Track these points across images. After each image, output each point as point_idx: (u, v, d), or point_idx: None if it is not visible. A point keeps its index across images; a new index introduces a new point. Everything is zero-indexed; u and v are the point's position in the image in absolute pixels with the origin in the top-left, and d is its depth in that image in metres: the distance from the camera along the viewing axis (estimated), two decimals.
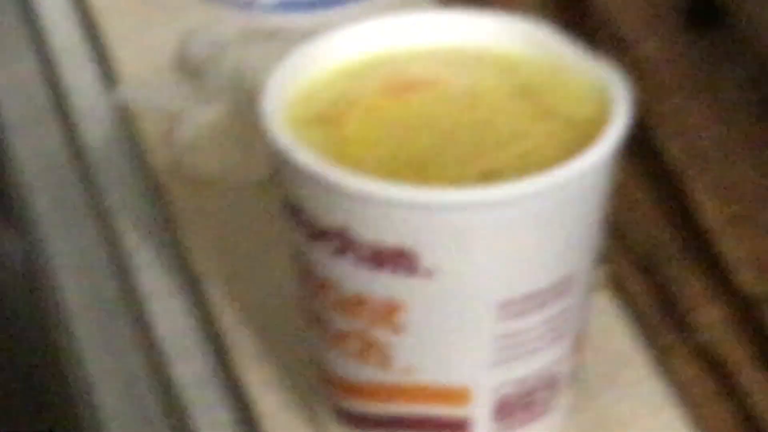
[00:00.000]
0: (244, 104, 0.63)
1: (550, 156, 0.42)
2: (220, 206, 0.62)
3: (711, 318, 0.52)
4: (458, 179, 0.42)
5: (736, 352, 0.50)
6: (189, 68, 0.69)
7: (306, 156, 0.41)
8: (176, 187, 0.63)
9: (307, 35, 0.63)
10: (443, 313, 0.42)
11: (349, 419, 0.48)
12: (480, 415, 0.45)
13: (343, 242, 0.41)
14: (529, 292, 0.42)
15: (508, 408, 0.45)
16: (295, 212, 0.43)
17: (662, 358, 0.52)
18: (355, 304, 0.43)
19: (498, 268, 0.41)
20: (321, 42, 0.47)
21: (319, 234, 0.42)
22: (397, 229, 0.40)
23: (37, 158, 0.69)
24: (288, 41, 0.59)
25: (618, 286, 0.55)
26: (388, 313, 0.42)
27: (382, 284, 0.42)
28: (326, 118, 0.45)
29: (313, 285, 0.45)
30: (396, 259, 0.40)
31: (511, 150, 0.43)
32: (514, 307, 0.42)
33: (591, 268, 0.45)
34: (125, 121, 0.68)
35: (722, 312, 0.52)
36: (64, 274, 0.63)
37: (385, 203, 0.39)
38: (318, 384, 0.49)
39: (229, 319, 0.56)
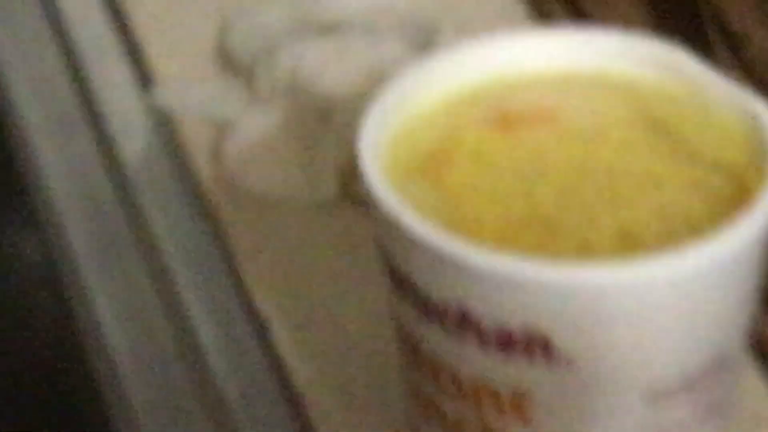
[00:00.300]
0: (305, 109, 0.56)
1: (697, 211, 0.36)
2: (282, 232, 0.54)
3: None
4: (591, 242, 0.35)
5: None
6: (234, 65, 0.60)
7: (417, 222, 0.34)
8: (229, 209, 0.55)
9: (367, 27, 0.59)
10: (580, 403, 0.35)
11: None
12: None
13: (461, 321, 0.34)
14: (677, 375, 0.35)
15: None
16: (401, 281, 0.36)
17: None
18: (475, 390, 0.36)
19: (644, 352, 0.34)
20: (417, 71, 0.40)
21: (432, 310, 0.35)
22: (528, 310, 0.33)
23: (67, 173, 0.60)
24: (348, 35, 0.56)
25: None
26: (516, 403, 0.35)
27: (508, 371, 0.34)
28: (431, 165, 0.38)
29: (422, 364, 0.38)
30: (526, 344, 0.33)
31: (648, 202, 0.36)
32: (661, 393, 0.35)
33: (745, 342, 0.38)
34: (165, 128, 0.59)
35: None
36: (104, 316, 0.54)
37: (513, 282, 0.32)
38: None
39: (302, 375, 0.48)
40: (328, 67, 0.55)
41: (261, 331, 0.51)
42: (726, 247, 0.32)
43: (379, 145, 0.37)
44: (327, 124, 0.54)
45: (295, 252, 0.53)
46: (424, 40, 0.59)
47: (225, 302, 0.53)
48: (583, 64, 0.41)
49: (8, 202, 0.72)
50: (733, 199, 0.36)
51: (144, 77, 0.62)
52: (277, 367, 0.50)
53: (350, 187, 0.54)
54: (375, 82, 0.54)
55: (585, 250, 0.35)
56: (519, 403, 0.35)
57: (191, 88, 0.59)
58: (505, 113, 0.40)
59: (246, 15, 0.62)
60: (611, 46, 0.41)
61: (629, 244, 0.35)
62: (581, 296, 0.32)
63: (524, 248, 0.34)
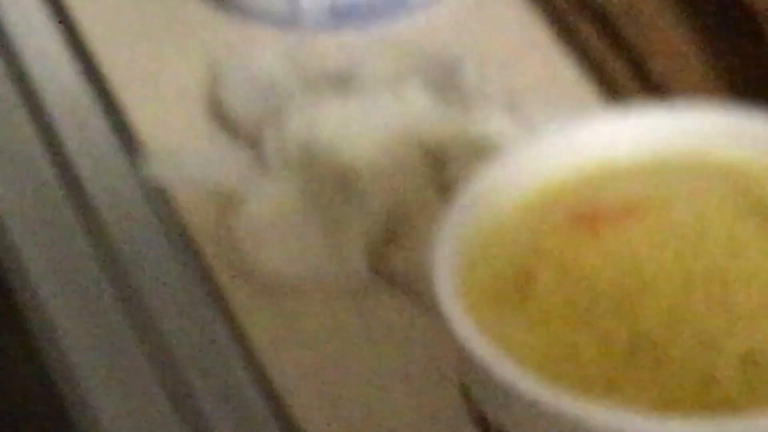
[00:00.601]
0: (324, 177, 0.50)
1: None
2: (306, 321, 0.48)
3: None
4: (714, 374, 0.30)
5: None
6: (232, 124, 0.54)
7: (515, 372, 0.29)
8: (242, 296, 0.48)
9: (383, 80, 0.54)
10: None
11: None
12: None
13: None
14: None
15: None
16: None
17: None
18: None
19: None
20: (490, 173, 0.35)
21: None
22: None
23: (54, 263, 0.52)
24: (366, 92, 0.51)
25: None
26: None
27: None
28: (514, 285, 0.33)
29: None
30: None
31: None
32: None
33: None
34: (160, 204, 0.53)
35: None
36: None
37: None
38: None
39: None
40: (348, 127, 0.49)
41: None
42: None
43: (454, 266, 0.32)
44: (350, 193, 0.49)
45: (323, 345, 0.47)
46: (448, 83, 0.53)
47: (248, 404, 0.46)
48: (676, 147, 0.36)
49: None
50: None
51: (130, 146, 0.55)
52: None
53: (383, 263, 0.49)
54: (403, 141, 0.50)
55: (708, 385, 0.30)
56: None
57: (186, 156, 0.52)
58: (591, 212, 0.35)
59: (240, 64, 0.56)
60: (706, 124, 0.36)
61: (759, 372, 0.31)
62: None
63: (636, 389, 0.30)
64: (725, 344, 0.31)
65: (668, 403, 0.30)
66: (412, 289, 0.48)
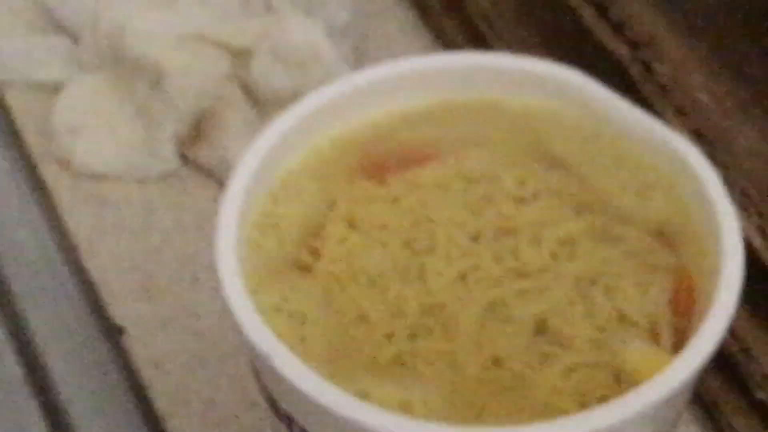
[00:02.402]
0: (132, 75, 0.49)
1: (626, 295, 0.30)
2: (123, 210, 0.48)
3: None
4: (504, 346, 0.29)
5: None
6: (55, 21, 0.52)
7: (299, 371, 0.27)
8: (62, 185, 0.48)
9: None
10: None
11: None
12: None
13: None
14: None
15: None
16: (287, 422, 0.30)
17: None
18: None
19: None
20: (278, 128, 0.33)
21: None
22: None
23: None
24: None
25: None
26: None
27: None
28: (302, 248, 0.31)
29: None
30: None
31: (563, 275, 0.31)
32: None
33: None
34: None
35: None
36: None
37: None
38: None
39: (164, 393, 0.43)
40: (158, 28, 0.48)
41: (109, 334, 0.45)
42: (642, 404, 0.26)
43: (238, 232, 0.30)
44: (160, 89, 0.48)
45: (137, 234, 0.47)
46: None
47: (65, 295, 0.46)
48: (467, 95, 0.35)
49: None
50: (664, 267, 0.31)
51: None
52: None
53: (193, 155, 0.49)
54: (210, 42, 0.49)
55: (497, 362, 0.29)
56: None
57: (13, 48, 0.51)
58: (379, 160, 0.34)
59: None
60: (502, 72, 0.35)
61: (551, 340, 0.30)
62: None
63: (427, 360, 0.29)
64: (515, 311, 0.30)
65: (458, 381, 0.28)
66: (221, 180, 0.47)
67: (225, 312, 0.40)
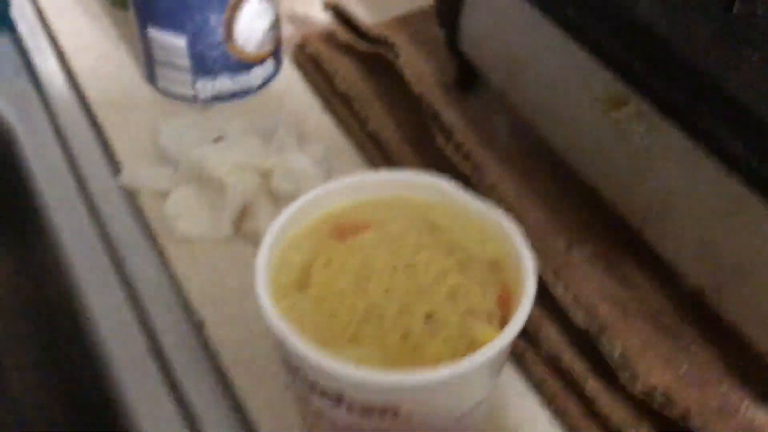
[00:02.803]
0: (207, 186, 0.47)
1: (474, 291, 0.31)
2: (203, 257, 0.46)
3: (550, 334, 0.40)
4: (410, 327, 0.29)
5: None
6: (166, 157, 0.51)
7: (299, 343, 0.28)
8: (171, 244, 0.46)
9: (239, 133, 0.51)
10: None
11: None
12: None
13: (338, 399, 0.28)
14: (471, 407, 0.30)
15: None
16: (295, 372, 0.29)
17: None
18: (346, 427, 0.30)
19: (455, 404, 0.29)
20: (291, 210, 0.33)
21: (318, 389, 0.29)
22: (381, 396, 0.27)
23: (69, 224, 0.49)
24: (228, 142, 0.48)
25: None
26: None
27: (370, 423, 0.29)
28: (302, 277, 0.31)
29: (310, 412, 0.31)
30: (382, 411, 0.28)
31: (441, 288, 0.31)
32: (464, 416, 0.30)
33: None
34: (131, 196, 0.50)
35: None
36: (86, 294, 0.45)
37: (372, 385, 0.27)
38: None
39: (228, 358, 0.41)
40: (219, 161, 0.46)
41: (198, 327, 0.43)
42: (483, 357, 0.27)
43: (267, 267, 0.30)
44: (222, 193, 0.46)
45: (212, 272, 0.45)
46: (272, 135, 0.50)
47: (174, 303, 0.44)
48: (389, 193, 0.35)
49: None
50: (493, 283, 0.31)
51: (115, 166, 0.51)
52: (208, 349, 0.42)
53: (240, 229, 0.47)
54: (249, 167, 0.47)
55: (406, 336, 0.29)
56: None
57: (141, 171, 0.49)
58: (341, 228, 0.33)
59: (168, 126, 0.52)
60: (405, 180, 0.35)
61: (434, 324, 0.30)
62: (413, 390, 0.27)
63: (369, 338, 0.29)
64: (415, 309, 0.30)
65: (385, 348, 0.29)
66: (256, 243, 0.47)
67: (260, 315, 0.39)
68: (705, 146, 0.33)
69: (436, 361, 0.28)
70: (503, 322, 0.30)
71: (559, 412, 0.39)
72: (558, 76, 0.42)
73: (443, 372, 0.27)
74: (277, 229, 0.32)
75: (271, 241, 0.32)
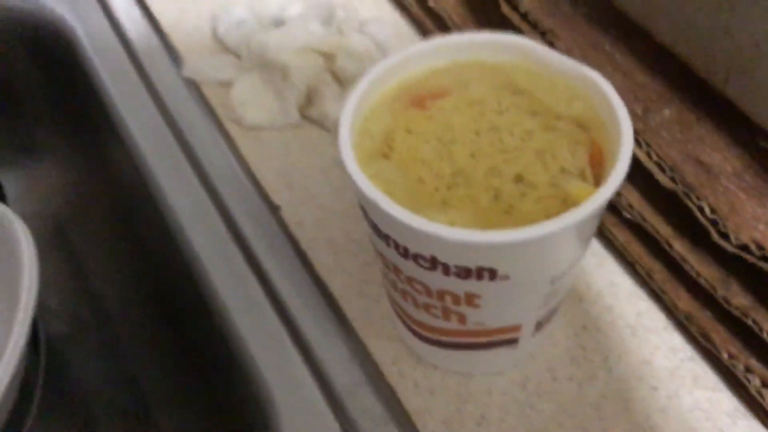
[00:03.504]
0: (273, 72, 0.45)
1: (563, 151, 0.28)
2: (272, 144, 0.44)
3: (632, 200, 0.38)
4: (500, 189, 0.27)
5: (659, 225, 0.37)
6: (226, 47, 0.49)
7: (392, 207, 0.26)
8: (238, 134, 0.45)
9: (297, 18, 0.49)
10: (513, 294, 0.28)
11: (426, 340, 0.33)
12: (525, 332, 0.32)
13: (432, 263, 0.27)
14: (562, 271, 0.28)
15: (542, 323, 0.32)
16: (386, 239, 0.28)
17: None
18: (440, 294, 0.29)
19: (548, 267, 0.27)
20: (366, 79, 0.30)
21: (411, 256, 0.27)
22: (477, 257, 0.26)
23: (137, 118, 0.47)
24: (289, 27, 0.47)
25: None
26: (468, 299, 0.28)
27: (465, 286, 0.27)
28: (384, 144, 0.29)
29: (398, 275, 0.30)
30: (478, 273, 0.26)
31: (528, 149, 0.29)
32: (557, 279, 0.28)
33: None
34: (196, 88, 0.48)
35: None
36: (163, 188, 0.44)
37: (467, 243, 0.25)
38: (400, 318, 0.34)
39: (306, 239, 0.40)
40: (282, 44, 0.45)
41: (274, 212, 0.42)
42: (580, 215, 0.25)
43: (350, 135, 0.28)
44: (286, 78, 0.44)
45: (281, 156, 0.44)
46: (332, 18, 0.48)
47: (248, 190, 0.43)
48: (467, 56, 0.32)
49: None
50: (584, 142, 0.29)
51: (177, 59, 0.49)
52: (288, 235, 0.41)
53: (306, 114, 0.45)
54: (310, 49, 0.45)
55: (497, 197, 0.28)
56: (470, 299, 0.28)
57: (205, 63, 0.48)
58: (420, 96, 0.31)
59: (226, 13, 0.50)
60: (483, 41, 0.32)
61: (525, 185, 0.28)
62: (511, 248, 0.25)
63: (459, 202, 0.27)
64: (504, 171, 0.28)
65: (477, 210, 0.27)
66: (324, 126, 0.45)
67: (333, 191, 0.38)
68: None
69: (530, 221, 0.26)
70: (597, 180, 0.28)
71: (643, 276, 0.37)
72: None
73: (540, 229, 0.25)
74: (357, 98, 0.30)
75: (353, 109, 0.30)
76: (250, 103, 0.46)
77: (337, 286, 0.39)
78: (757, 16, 0.34)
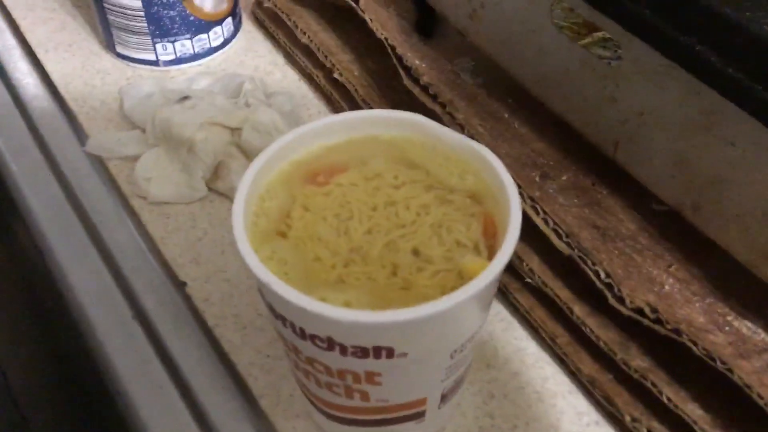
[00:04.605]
0: (176, 147, 0.44)
1: (458, 223, 0.28)
2: (178, 218, 0.43)
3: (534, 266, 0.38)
4: (397, 264, 0.27)
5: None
6: (132, 122, 0.47)
7: (286, 289, 0.25)
8: (144, 209, 0.43)
9: (204, 92, 0.48)
10: (413, 371, 0.28)
11: (333, 418, 0.32)
12: (431, 405, 0.31)
13: (329, 344, 0.26)
14: (461, 344, 0.28)
15: (447, 395, 0.31)
16: (282, 320, 0.27)
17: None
18: (340, 372, 0.27)
19: (449, 339, 0.27)
20: (261, 159, 0.29)
21: (308, 337, 0.26)
22: (373, 337, 0.25)
23: (39, 196, 0.45)
24: (195, 101, 0.45)
25: None
26: (369, 377, 0.27)
27: (364, 365, 0.26)
28: (280, 223, 0.29)
29: (303, 359, 0.28)
30: (375, 352, 0.26)
31: (424, 223, 0.28)
32: (457, 352, 0.28)
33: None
34: (100, 164, 0.46)
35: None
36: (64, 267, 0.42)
37: (361, 325, 0.24)
38: (306, 395, 0.33)
39: (212, 315, 0.39)
40: (187, 120, 0.44)
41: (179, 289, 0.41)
42: (474, 289, 0.25)
43: (244, 216, 0.27)
44: (192, 152, 0.43)
45: (188, 230, 0.42)
46: (237, 91, 0.48)
47: (152, 265, 0.41)
48: (362, 132, 0.32)
49: None
50: (477, 214, 0.29)
51: (81, 133, 0.48)
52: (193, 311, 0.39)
53: (213, 186, 0.44)
54: (217, 123, 0.44)
55: (395, 272, 0.27)
56: (371, 377, 0.27)
57: (108, 137, 0.46)
58: (317, 172, 0.31)
59: (132, 89, 0.49)
60: (378, 118, 0.32)
61: (422, 259, 0.28)
62: (407, 326, 0.25)
63: (356, 279, 0.27)
64: (400, 246, 0.28)
65: (374, 287, 0.27)
66: (231, 199, 0.44)
67: (241, 266, 0.37)
68: (678, 61, 0.32)
69: (426, 297, 0.26)
70: (491, 252, 0.28)
71: (547, 341, 0.37)
72: (521, 8, 0.40)
73: (436, 306, 0.25)
74: (251, 177, 0.29)
75: (247, 189, 0.29)
76: (156, 177, 0.45)
77: (243, 363, 0.37)
78: (640, 87, 0.35)
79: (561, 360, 0.37)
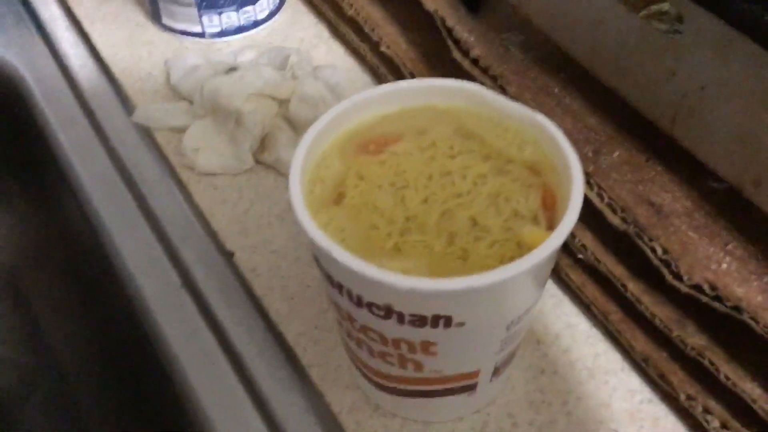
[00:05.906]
0: (226, 118, 0.44)
1: (515, 194, 0.28)
2: (225, 190, 0.43)
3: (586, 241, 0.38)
4: (454, 234, 0.27)
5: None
6: (179, 94, 0.48)
7: (345, 256, 0.25)
8: (191, 181, 0.44)
9: (250, 64, 0.48)
10: (469, 341, 0.27)
11: (383, 388, 0.32)
12: (483, 378, 0.30)
13: (387, 312, 0.26)
14: (517, 316, 0.27)
15: (499, 368, 0.31)
16: (339, 288, 0.27)
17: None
18: (395, 342, 0.27)
19: (506, 311, 0.27)
20: (315, 128, 0.29)
21: (365, 305, 0.26)
22: (432, 305, 0.25)
23: (88, 166, 0.46)
24: (242, 73, 0.45)
25: None
26: (425, 347, 0.27)
27: (421, 334, 0.26)
28: (335, 192, 0.28)
29: (357, 328, 0.28)
30: (433, 321, 0.25)
31: (481, 193, 0.28)
32: (513, 324, 0.27)
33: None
34: (148, 135, 0.47)
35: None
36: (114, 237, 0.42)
37: (421, 292, 0.24)
38: (356, 366, 0.33)
39: (260, 286, 0.39)
40: (235, 91, 0.44)
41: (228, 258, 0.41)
42: (535, 259, 0.25)
43: (301, 183, 0.27)
44: (239, 123, 0.44)
45: (234, 201, 0.43)
46: (284, 63, 0.47)
47: (202, 236, 0.42)
48: (418, 102, 0.31)
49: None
50: (536, 185, 0.28)
51: (128, 105, 0.48)
52: (241, 279, 0.40)
53: (260, 159, 0.44)
54: (264, 95, 0.45)
55: (452, 241, 0.27)
56: (426, 347, 0.27)
57: (156, 108, 0.46)
58: (372, 142, 0.30)
59: (178, 60, 0.49)
60: (434, 87, 0.31)
61: (479, 229, 0.27)
62: (466, 295, 0.24)
63: (413, 248, 0.27)
64: (457, 215, 0.27)
65: (431, 256, 0.27)
66: (278, 171, 0.44)
67: (288, 237, 0.37)
68: (744, 31, 0.31)
69: (485, 266, 0.25)
70: (549, 223, 0.27)
71: (599, 317, 0.37)
72: None
73: (497, 274, 0.24)
74: (307, 145, 0.29)
75: (303, 157, 0.29)
76: (203, 148, 0.45)
77: (292, 333, 0.37)
78: (701, 59, 0.34)
79: (613, 337, 0.37)
